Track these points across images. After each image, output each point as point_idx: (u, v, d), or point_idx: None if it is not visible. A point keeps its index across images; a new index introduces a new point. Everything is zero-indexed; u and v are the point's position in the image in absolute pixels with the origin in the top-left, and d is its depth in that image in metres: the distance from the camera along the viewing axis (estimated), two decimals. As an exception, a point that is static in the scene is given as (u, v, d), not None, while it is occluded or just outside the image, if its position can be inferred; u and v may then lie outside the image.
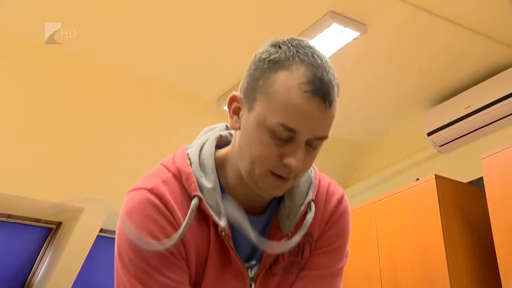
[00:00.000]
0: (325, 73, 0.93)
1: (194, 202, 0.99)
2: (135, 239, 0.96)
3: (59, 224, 4.40)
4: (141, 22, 3.23)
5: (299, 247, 1.08)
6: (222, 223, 0.99)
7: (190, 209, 0.98)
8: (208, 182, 1.01)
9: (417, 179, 3.58)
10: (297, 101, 0.91)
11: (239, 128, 1.00)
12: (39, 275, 4.46)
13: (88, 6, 3.08)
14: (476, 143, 3.75)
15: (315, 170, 1.14)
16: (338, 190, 1.15)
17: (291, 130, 0.92)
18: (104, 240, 4.47)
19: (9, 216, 4.24)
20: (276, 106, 0.92)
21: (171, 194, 1.00)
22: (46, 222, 4.38)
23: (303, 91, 0.91)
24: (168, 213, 0.98)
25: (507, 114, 3.49)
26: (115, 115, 3.82)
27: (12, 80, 3.50)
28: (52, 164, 3.79)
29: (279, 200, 1.08)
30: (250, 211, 1.05)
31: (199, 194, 1.00)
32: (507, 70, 3.51)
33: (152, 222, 0.97)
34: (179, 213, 0.99)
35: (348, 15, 3.11)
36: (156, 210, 0.98)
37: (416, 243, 3.40)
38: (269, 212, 1.08)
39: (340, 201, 1.13)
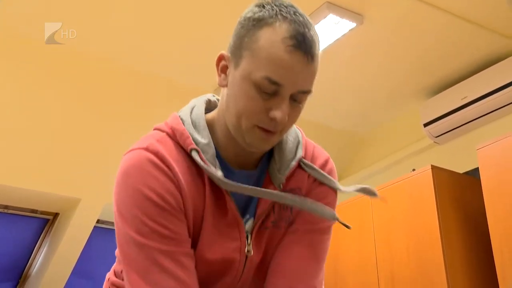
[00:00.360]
0: (307, 29, 0.98)
1: (194, 154, 1.02)
2: (137, 196, 0.99)
3: (56, 215, 4.41)
4: (141, 20, 3.23)
5: None
6: (219, 173, 1.03)
7: (197, 161, 1.02)
8: (202, 138, 1.05)
9: (413, 170, 3.59)
10: (280, 55, 0.95)
11: (226, 85, 1.04)
12: (37, 265, 4.48)
13: (89, 4, 3.08)
14: (472, 133, 3.76)
15: (302, 134, 1.18)
16: (323, 153, 1.19)
17: (275, 83, 0.96)
18: (101, 231, 4.48)
19: (6, 207, 4.25)
20: (261, 60, 0.96)
21: (166, 151, 1.03)
22: (43, 213, 4.38)
23: (286, 45, 0.95)
24: (165, 168, 1.01)
25: (503, 105, 3.50)
26: (114, 110, 3.81)
27: (12, 77, 3.49)
28: (50, 155, 3.79)
29: (269, 156, 1.12)
30: (242, 166, 1.09)
31: (196, 147, 1.03)
32: (503, 61, 3.52)
33: (151, 177, 1.00)
34: (176, 168, 1.01)
35: (344, 6, 3.11)
36: (154, 166, 1.00)
37: (412, 233, 3.42)
38: (260, 167, 1.11)
39: (326, 161, 1.17)
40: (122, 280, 1.15)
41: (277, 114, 0.97)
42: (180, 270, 0.99)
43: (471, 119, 3.65)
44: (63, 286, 4.38)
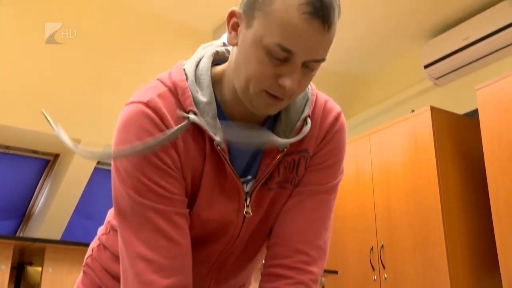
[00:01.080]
0: None
1: (191, 117, 0.98)
2: (131, 148, 0.97)
3: (56, 156, 4.43)
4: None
5: (294, 163, 1.08)
6: (218, 137, 1.00)
7: (185, 122, 0.98)
8: (204, 97, 1.01)
9: (413, 111, 3.60)
10: (295, 22, 0.89)
11: (236, 44, 0.98)
12: (39, 205, 4.54)
13: None
14: (473, 75, 3.74)
15: (312, 88, 1.12)
16: (335, 107, 1.14)
17: (288, 51, 0.91)
18: (102, 172, 4.52)
19: (7, 147, 4.27)
20: (274, 25, 0.90)
21: (166, 108, 1.00)
22: (44, 153, 4.41)
23: (302, 12, 0.89)
24: (163, 127, 0.98)
25: (505, 45, 3.46)
26: (114, 50, 3.78)
27: (13, 19, 3.45)
28: (51, 96, 3.79)
29: (275, 116, 1.08)
30: (247, 126, 1.05)
31: (194, 109, 0.99)
32: (506, 0, 3.46)
33: (147, 135, 0.97)
34: (174, 127, 0.98)
35: None
36: (152, 123, 0.98)
37: (410, 173, 3.45)
38: (266, 128, 1.07)
39: (337, 118, 1.12)
40: None
41: (287, 82, 0.93)
42: (173, 230, 0.98)
43: (472, 60, 3.62)
44: (65, 225, 4.46)
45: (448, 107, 3.57)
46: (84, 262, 1.25)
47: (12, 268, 2.65)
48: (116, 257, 1.13)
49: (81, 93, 3.86)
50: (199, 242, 1.05)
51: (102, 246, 1.20)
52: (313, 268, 1.06)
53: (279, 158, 1.05)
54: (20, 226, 4.60)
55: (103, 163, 4.50)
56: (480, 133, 3.12)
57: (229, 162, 1.02)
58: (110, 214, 1.22)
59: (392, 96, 4.33)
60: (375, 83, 4.52)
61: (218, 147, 1.00)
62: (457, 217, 3.29)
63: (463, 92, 3.79)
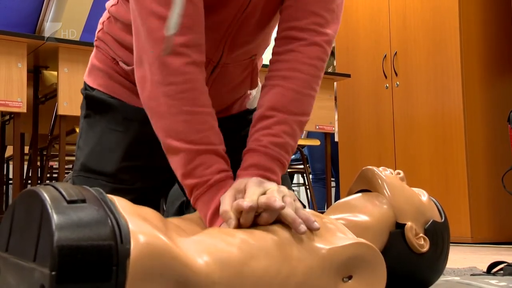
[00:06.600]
0: None
1: None
2: None
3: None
4: None
5: None
6: None
7: None
8: None
9: None
10: None
11: None
12: (48, 21, 4.48)
13: None
14: None
15: None
16: None
17: None
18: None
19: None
20: None
21: None
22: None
23: None
24: None
25: None
26: None
27: None
28: None
29: None
30: None
31: None
32: None
33: None
34: None
35: None
36: None
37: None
38: None
39: None
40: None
41: None
42: None
43: None
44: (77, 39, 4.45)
45: None
46: (96, 37, 1.25)
47: (29, 71, 2.67)
48: (127, 27, 1.12)
49: None
50: (210, 7, 1.02)
51: (113, 18, 1.19)
52: (327, 30, 1.06)
53: None
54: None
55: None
56: None
57: None
58: (108, 2, 1.20)
59: None
60: None
61: None
62: (474, 18, 3.23)
63: None
